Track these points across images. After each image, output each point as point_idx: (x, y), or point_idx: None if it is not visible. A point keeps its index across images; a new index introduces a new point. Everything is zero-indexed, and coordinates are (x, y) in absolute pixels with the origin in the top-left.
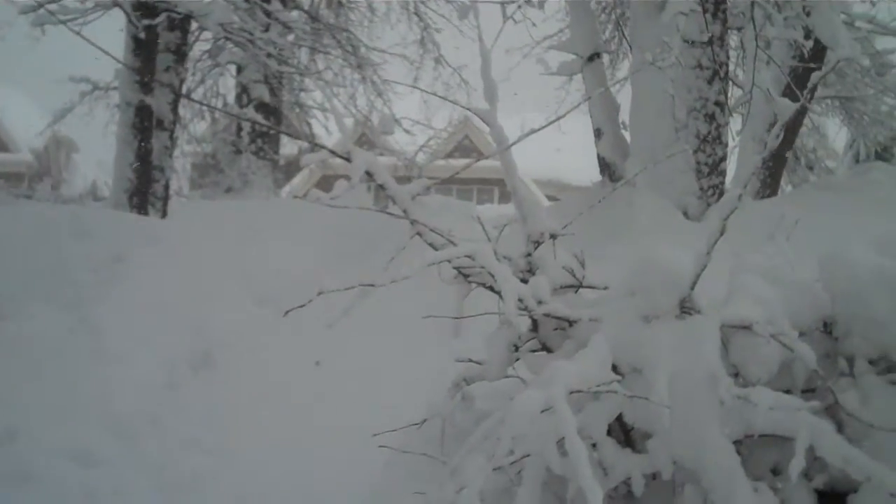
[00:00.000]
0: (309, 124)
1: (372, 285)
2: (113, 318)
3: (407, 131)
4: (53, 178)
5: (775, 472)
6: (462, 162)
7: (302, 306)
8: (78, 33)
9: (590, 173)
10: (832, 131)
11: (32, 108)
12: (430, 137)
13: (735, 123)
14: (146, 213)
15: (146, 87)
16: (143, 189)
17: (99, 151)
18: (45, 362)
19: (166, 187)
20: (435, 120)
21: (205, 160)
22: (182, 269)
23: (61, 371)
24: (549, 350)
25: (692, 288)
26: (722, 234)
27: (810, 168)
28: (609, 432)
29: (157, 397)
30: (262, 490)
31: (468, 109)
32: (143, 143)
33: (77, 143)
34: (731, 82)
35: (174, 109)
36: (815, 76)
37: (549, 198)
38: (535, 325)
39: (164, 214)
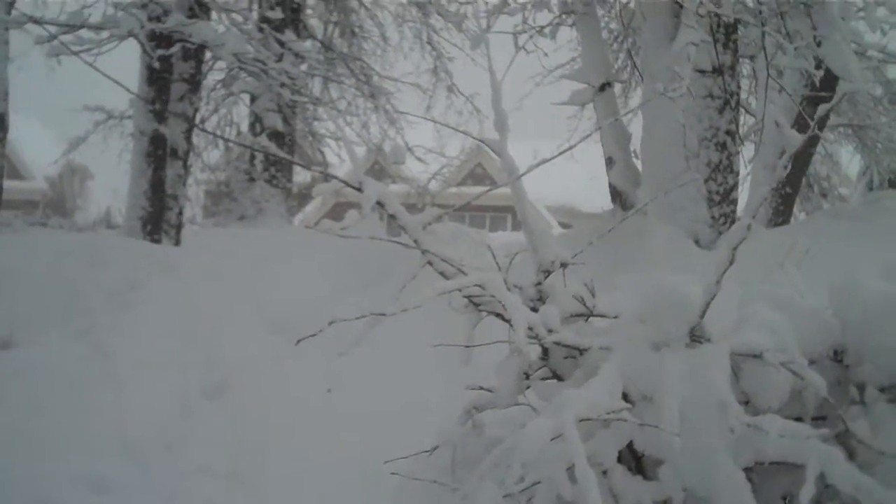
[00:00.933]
0: (322, 153)
1: (383, 314)
2: (126, 346)
3: (419, 159)
4: (68, 205)
5: (786, 499)
6: (475, 189)
7: (314, 335)
8: (92, 65)
9: (602, 199)
10: (845, 158)
11: (47, 137)
12: (442, 165)
13: (747, 151)
14: (160, 241)
15: (160, 117)
16: (157, 217)
17: (113, 179)
18: (58, 389)
19: (180, 215)
20: (447, 148)
21: (218, 188)
22: (195, 297)
23: (74, 398)
24: (559, 378)
25: (702, 316)
26: (731, 263)
27: (824, 195)
28: (620, 459)
29: (171, 424)
30: None
31: (479, 140)
32: (156, 172)
33: (91, 171)
34: (742, 110)
35: (188, 138)
36: (822, 108)
37: (562, 224)
38: (545, 354)
39: (177, 242)
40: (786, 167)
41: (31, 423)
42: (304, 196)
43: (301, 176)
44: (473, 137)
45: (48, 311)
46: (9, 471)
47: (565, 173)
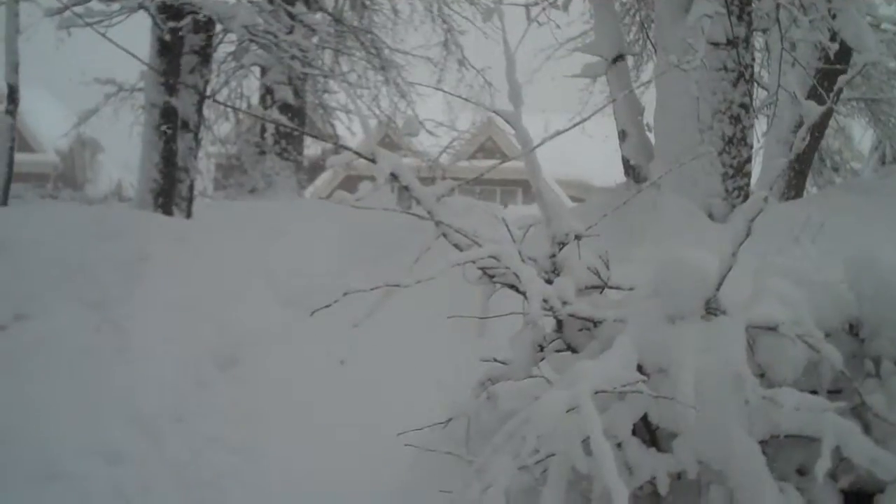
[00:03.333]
0: (332, 126)
1: (397, 286)
2: (138, 318)
3: (430, 133)
4: (78, 178)
5: (801, 472)
6: (486, 163)
7: (327, 307)
8: (104, 35)
9: (614, 174)
10: (858, 133)
11: (58, 109)
12: (453, 139)
13: (760, 125)
14: (171, 214)
15: (171, 89)
16: (168, 190)
17: (124, 152)
18: (70, 361)
19: (191, 188)
20: (458, 122)
21: (229, 161)
22: (207, 269)
23: (87, 370)
24: (574, 350)
25: (718, 289)
26: (747, 236)
27: (836, 170)
28: (634, 432)
29: (183, 396)
30: (286, 488)
31: (493, 111)
32: (168, 145)
33: (102, 144)
34: (756, 84)
35: (199, 111)
36: (841, 80)
37: (573, 198)
38: (559, 326)
39: (188, 215)
40: (804, 139)
41: (44, 395)
42: (315, 169)
43: (311, 149)
44: (487, 109)
45: (60, 284)
46: (21, 442)
47: (577, 147)
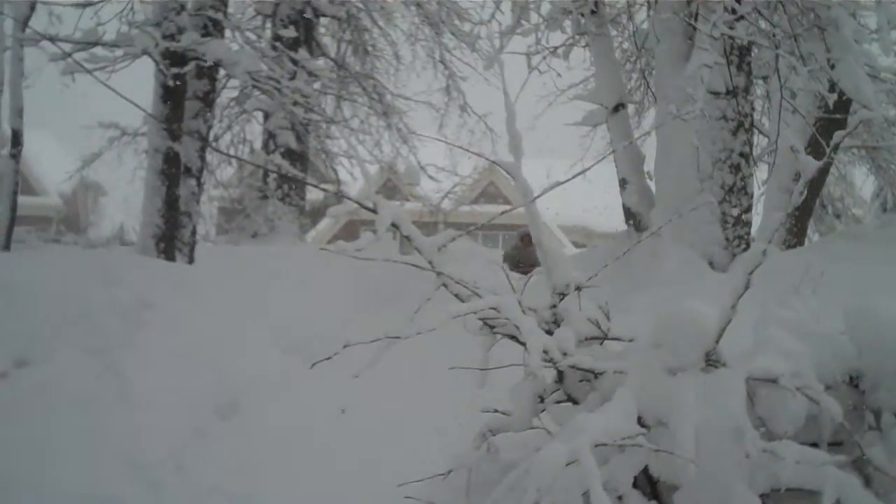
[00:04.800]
0: (335, 171)
1: (398, 337)
2: (140, 365)
3: (432, 178)
4: (81, 221)
5: None
6: (488, 208)
7: (328, 358)
8: (105, 83)
9: (616, 218)
10: (859, 179)
11: (61, 152)
12: (455, 184)
13: (761, 173)
14: (173, 259)
15: (174, 134)
16: (171, 234)
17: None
18: (71, 408)
19: (193, 233)
20: (460, 166)
21: (231, 205)
22: (208, 316)
23: (87, 417)
24: (574, 402)
25: (718, 341)
26: (747, 288)
27: (838, 216)
28: (635, 485)
29: (183, 444)
30: None
31: (493, 162)
32: (170, 189)
33: (105, 188)
34: (756, 132)
35: (202, 156)
36: (837, 135)
37: (576, 244)
38: (560, 377)
39: (191, 260)
40: (802, 193)
41: (44, 441)
42: (317, 213)
43: (314, 193)
44: (487, 159)
45: (62, 330)
46: (22, 489)
47: (579, 193)
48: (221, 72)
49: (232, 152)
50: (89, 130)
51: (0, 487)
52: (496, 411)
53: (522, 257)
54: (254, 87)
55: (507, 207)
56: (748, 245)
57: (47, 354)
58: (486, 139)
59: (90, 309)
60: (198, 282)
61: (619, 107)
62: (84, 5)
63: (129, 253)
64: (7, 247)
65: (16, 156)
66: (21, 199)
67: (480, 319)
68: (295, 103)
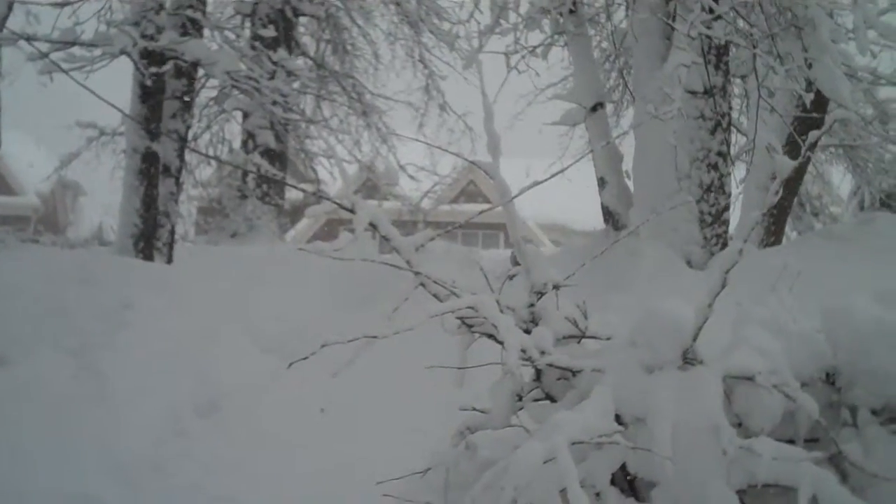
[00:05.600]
0: (314, 170)
1: (375, 337)
2: (118, 365)
3: (412, 177)
4: (60, 221)
5: None
6: (467, 207)
7: (306, 358)
8: (82, 84)
9: (594, 216)
10: (837, 178)
11: (40, 152)
12: (434, 183)
13: (739, 171)
14: (152, 259)
15: (153, 134)
16: (149, 234)
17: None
18: (49, 407)
19: (172, 233)
20: (439, 165)
21: (210, 205)
22: (188, 316)
23: (66, 416)
24: (552, 399)
25: (695, 339)
26: (723, 287)
27: (815, 214)
28: (613, 482)
29: (161, 443)
30: None
31: (471, 162)
32: (149, 189)
33: (83, 187)
34: (734, 130)
35: (180, 156)
36: (813, 134)
37: (554, 242)
38: (538, 375)
39: (169, 260)
40: (777, 192)
41: (23, 441)
42: (297, 213)
43: (293, 193)
44: (465, 159)
45: (41, 330)
46: (0, 487)
47: (558, 192)
48: (200, 71)
49: (211, 152)
50: (67, 130)
51: None
52: (474, 409)
53: None
54: (233, 86)
55: (487, 206)
56: (726, 244)
57: (26, 354)
58: (466, 138)
59: (69, 308)
60: (177, 282)
61: (597, 106)
62: (62, 5)
63: (107, 253)
64: None
65: None
66: None
67: (458, 318)
68: (274, 103)
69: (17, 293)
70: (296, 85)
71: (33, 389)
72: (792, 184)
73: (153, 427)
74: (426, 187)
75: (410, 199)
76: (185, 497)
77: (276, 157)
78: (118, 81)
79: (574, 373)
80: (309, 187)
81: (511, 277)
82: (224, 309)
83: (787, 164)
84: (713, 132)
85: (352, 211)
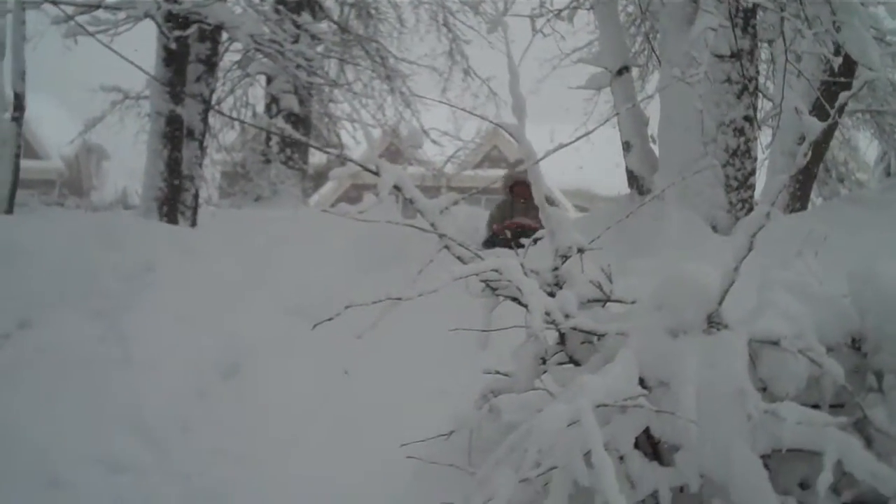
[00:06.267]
0: (338, 134)
1: (399, 299)
2: (143, 327)
3: (435, 142)
4: (84, 185)
5: (803, 486)
6: (491, 172)
7: (330, 319)
8: (108, 46)
9: (618, 182)
10: (863, 144)
11: (64, 116)
12: (458, 148)
13: (764, 137)
14: (176, 222)
15: (177, 98)
16: (173, 198)
17: (129, 160)
18: (74, 370)
19: (196, 196)
20: (463, 131)
21: (234, 169)
22: (212, 279)
23: (90, 378)
24: (576, 363)
25: (720, 303)
26: (750, 250)
27: (841, 181)
28: (636, 445)
29: (187, 405)
30: (289, 499)
31: (497, 124)
32: (173, 153)
33: (107, 151)
34: (760, 95)
35: (204, 119)
36: (843, 95)
37: (578, 208)
38: (562, 339)
39: (193, 223)
40: (806, 155)
41: (48, 404)
42: (320, 177)
43: (317, 157)
44: (491, 122)
45: (65, 292)
46: (23, 450)
47: (582, 157)
48: (224, 35)
49: (234, 116)
50: (92, 94)
51: (3, 450)
52: (498, 373)
53: (514, 213)
54: (256, 50)
55: (507, 173)
56: (751, 208)
57: (50, 316)
58: (490, 103)
59: (93, 271)
60: (201, 244)
61: (623, 70)
62: None
63: (131, 216)
64: (10, 210)
65: (18, 119)
66: (24, 162)
67: (482, 281)
68: (298, 66)
69: (41, 256)
70: (319, 49)
71: (57, 353)
72: (819, 148)
73: (177, 389)
74: (450, 152)
75: (434, 164)
76: (210, 459)
77: (300, 121)
78: (142, 45)
79: (598, 336)
80: (333, 150)
81: (536, 241)
82: (248, 271)
83: (816, 126)
84: (740, 96)
85: (376, 173)
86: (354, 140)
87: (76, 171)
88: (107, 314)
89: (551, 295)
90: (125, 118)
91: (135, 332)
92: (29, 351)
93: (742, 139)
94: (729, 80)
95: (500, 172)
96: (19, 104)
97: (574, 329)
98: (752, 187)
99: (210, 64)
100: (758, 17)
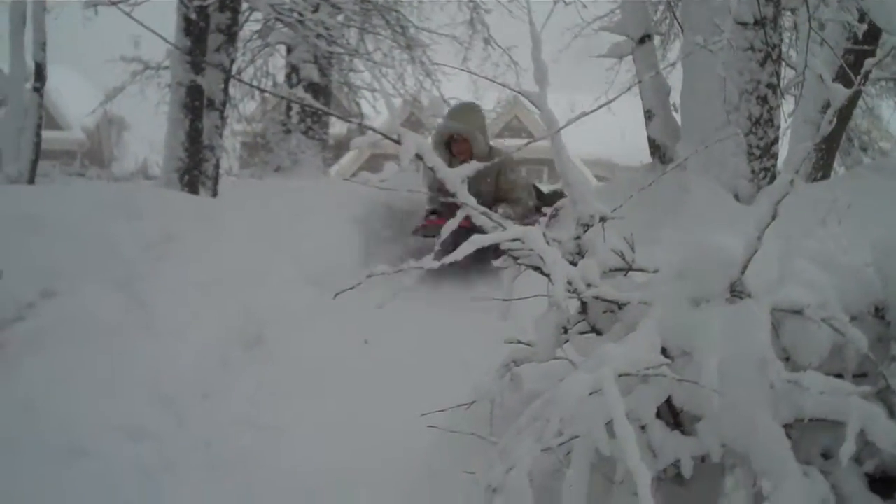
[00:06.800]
0: (358, 104)
1: (421, 268)
2: (165, 296)
3: None
4: (105, 156)
5: (826, 456)
6: (512, 142)
7: (352, 288)
8: (129, 15)
9: (639, 153)
10: (887, 112)
11: (85, 87)
12: None
13: (787, 105)
14: (197, 192)
15: (197, 68)
16: (194, 168)
17: (150, 130)
18: (96, 339)
19: (216, 166)
20: (484, 100)
21: (254, 139)
22: (233, 248)
23: (113, 347)
24: (598, 332)
25: (743, 272)
26: (773, 219)
27: (864, 149)
28: (658, 415)
29: (208, 374)
30: (310, 468)
31: (518, 92)
32: (193, 123)
33: (128, 122)
34: (783, 63)
35: (225, 89)
36: (868, 62)
37: (598, 178)
38: (584, 308)
39: (214, 193)
40: (830, 122)
41: (69, 372)
42: (340, 147)
43: (337, 128)
44: (512, 90)
45: (87, 262)
46: (46, 417)
47: (602, 126)
48: (244, 4)
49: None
50: (112, 64)
51: (27, 417)
52: (519, 342)
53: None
54: (277, 19)
55: (532, 139)
56: (774, 177)
57: (73, 286)
58: (510, 73)
59: (115, 241)
60: (222, 214)
61: (645, 38)
62: None
63: (152, 186)
64: (32, 180)
65: (39, 90)
66: (45, 133)
67: (504, 250)
68: (318, 36)
69: (63, 226)
70: (340, 18)
71: (80, 321)
72: (842, 117)
73: (200, 358)
74: None
75: None
76: (232, 428)
77: (320, 90)
78: (162, 15)
79: (620, 305)
80: (354, 119)
81: (556, 211)
82: (269, 241)
83: (841, 92)
84: (763, 64)
85: (398, 142)
86: (375, 110)
87: (97, 142)
88: (129, 284)
89: (573, 264)
90: (145, 89)
91: (157, 301)
92: (52, 320)
93: (765, 107)
94: (752, 47)
95: (521, 142)
96: (40, 75)
97: (596, 298)
98: (774, 156)
99: (230, 34)
100: None
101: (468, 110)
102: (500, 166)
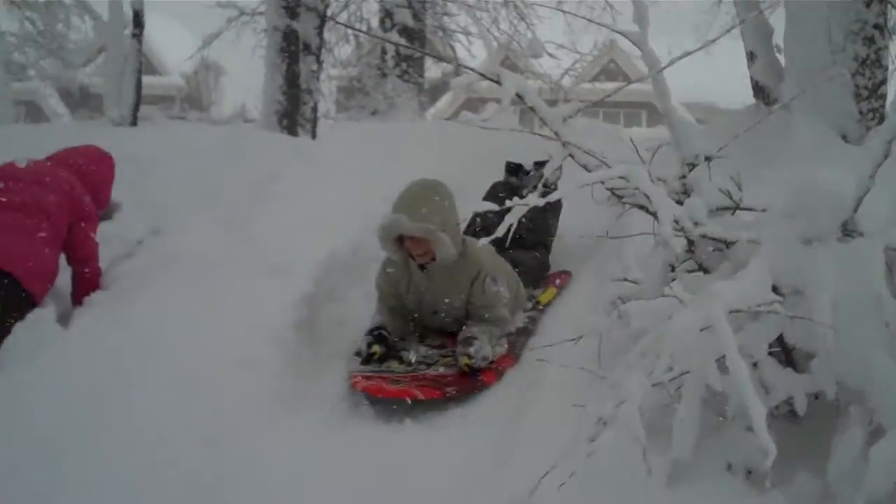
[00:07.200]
0: (452, 48)
1: (526, 205)
2: (269, 234)
3: (551, 55)
4: (203, 101)
5: None
6: (608, 85)
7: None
8: None
9: (739, 95)
10: None
11: (183, 33)
12: (575, 61)
13: (894, 46)
14: (296, 135)
15: (292, 12)
16: (293, 111)
17: (246, 75)
18: (203, 275)
19: (314, 110)
20: (580, 44)
21: (350, 84)
22: (333, 188)
23: (221, 282)
24: (705, 271)
25: (855, 210)
26: (886, 157)
27: None
28: (770, 352)
29: (312, 310)
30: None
31: (619, 32)
32: (290, 67)
33: (225, 68)
34: (889, 4)
35: (320, 33)
36: None
37: (699, 121)
38: (690, 246)
39: (313, 136)
40: None
41: (178, 306)
42: (436, 91)
43: (432, 71)
44: (612, 28)
45: (193, 202)
46: (155, 352)
47: (701, 69)
48: None
49: (349, 32)
50: (208, 10)
51: (140, 349)
52: (626, 280)
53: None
54: None
55: (634, 79)
56: (882, 118)
57: (180, 224)
58: (606, 15)
59: (218, 181)
60: (322, 156)
61: None
62: None
63: (253, 129)
64: (134, 123)
65: (138, 36)
66: (145, 78)
67: (608, 189)
68: None
69: (168, 167)
70: None
71: (187, 258)
72: None
73: (304, 294)
74: (566, 66)
75: (551, 77)
76: (337, 363)
77: (415, 35)
78: None
79: (728, 244)
80: (452, 61)
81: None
82: (368, 181)
83: None
84: (869, 4)
85: (498, 82)
86: (470, 54)
87: (195, 87)
88: (234, 222)
89: (679, 203)
90: (241, 34)
91: (263, 238)
92: (161, 255)
93: (872, 48)
94: None
95: (616, 85)
96: (138, 21)
97: (703, 237)
98: (882, 97)
99: None
100: None
101: (425, 199)
102: (476, 275)
